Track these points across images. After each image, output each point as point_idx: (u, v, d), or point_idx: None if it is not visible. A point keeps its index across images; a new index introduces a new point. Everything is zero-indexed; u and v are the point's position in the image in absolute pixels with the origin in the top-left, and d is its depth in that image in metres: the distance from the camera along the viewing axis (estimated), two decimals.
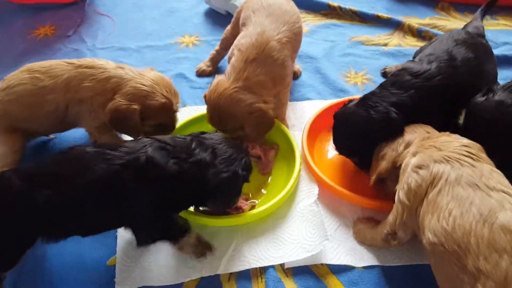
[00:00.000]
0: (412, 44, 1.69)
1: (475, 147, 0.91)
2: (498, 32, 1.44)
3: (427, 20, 1.81)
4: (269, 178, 1.21)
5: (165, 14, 1.97)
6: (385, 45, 1.70)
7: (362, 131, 1.08)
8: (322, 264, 1.02)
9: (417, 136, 0.99)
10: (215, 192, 0.96)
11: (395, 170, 0.97)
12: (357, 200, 1.10)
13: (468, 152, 0.88)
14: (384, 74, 1.56)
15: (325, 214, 1.11)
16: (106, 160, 0.89)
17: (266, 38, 1.22)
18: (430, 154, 0.90)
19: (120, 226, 0.99)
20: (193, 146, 0.96)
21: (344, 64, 1.63)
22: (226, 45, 1.51)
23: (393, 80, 1.14)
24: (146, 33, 1.84)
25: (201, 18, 1.93)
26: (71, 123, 1.20)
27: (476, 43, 1.22)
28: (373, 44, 1.71)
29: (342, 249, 1.05)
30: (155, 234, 0.97)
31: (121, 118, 1.10)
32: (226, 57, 1.38)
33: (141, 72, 1.17)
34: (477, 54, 1.17)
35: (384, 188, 1.03)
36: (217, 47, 1.59)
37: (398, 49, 1.66)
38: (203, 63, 1.61)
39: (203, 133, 1.04)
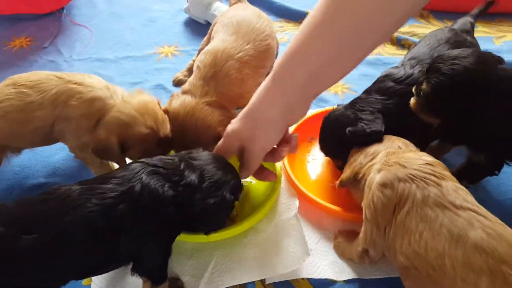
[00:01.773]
0: (391, 53, 1.69)
1: (439, 165, 0.90)
2: (478, 39, 1.45)
3: (406, 28, 1.81)
4: (251, 192, 1.19)
5: (144, 24, 1.95)
6: None
7: (351, 131, 1.06)
8: (303, 278, 1.01)
9: (384, 149, 0.98)
10: (202, 217, 0.91)
11: (356, 180, 0.97)
12: (338, 213, 1.09)
13: (432, 170, 0.87)
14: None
15: (306, 227, 1.10)
16: (96, 194, 0.83)
17: (225, 56, 1.22)
18: (395, 172, 0.88)
19: (122, 264, 0.92)
20: (182, 167, 0.91)
21: None
22: None
23: (377, 86, 1.14)
24: (125, 43, 1.82)
25: (180, 27, 1.91)
26: (54, 139, 1.17)
27: (460, 40, 1.20)
28: None
29: (323, 262, 1.03)
30: (162, 267, 0.93)
31: (101, 149, 1.06)
32: None
33: (126, 98, 1.11)
34: None
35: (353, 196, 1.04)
36: (194, 58, 1.59)
37: (378, 58, 1.67)
38: (180, 73, 1.60)
39: (190, 152, 0.99)
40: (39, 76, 1.12)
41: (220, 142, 1.00)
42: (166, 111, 1.19)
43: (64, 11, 1.98)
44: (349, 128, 1.06)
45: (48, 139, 1.16)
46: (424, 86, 1.02)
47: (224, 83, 1.21)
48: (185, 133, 1.15)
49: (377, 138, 1.03)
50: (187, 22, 1.93)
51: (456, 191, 0.84)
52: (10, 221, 0.80)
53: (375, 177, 0.91)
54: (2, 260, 0.77)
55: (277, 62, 0.90)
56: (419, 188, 0.84)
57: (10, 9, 1.89)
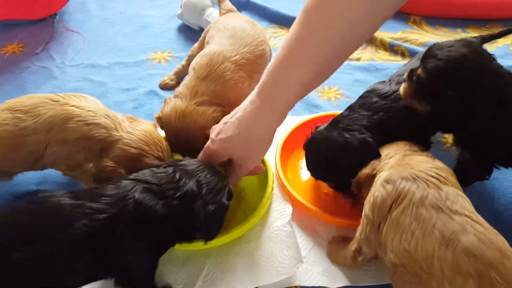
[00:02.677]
0: (384, 59, 1.69)
1: (446, 170, 0.91)
2: None
3: (399, 34, 1.82)
4: (243, 198, 1.18)
5: (137, 29, 1.94)
6: (358, 59, 1.70)
7: (339, 155, 1.05)
8: (296, 286, 1.00)
9: (399, 153, 0.98)
10: (202, 225, 0.90)
11: (373, 178, 0.95)
12: (332, 219, 1.09)
13: (437, 174, 0.88)
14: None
15: (299, 234, 1.09)
16: (86, 214, 0.81)
17: (221, 58, 1.23)
18: (401, 170, 0.89)
19: (110, 277, 0.90)
20: (177, 177, 0.90)
21: None
22: (191, 61, 1.50)
23: (361, 102, 1.13)
24: (118, 49, 1.81)
25: (174, 33, 1.91)
26: (44, 164, 1.12)
27: None
28: None
29: (317, 270, 1.02)
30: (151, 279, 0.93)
31: (105, 177, 1.04)
32: None
33: (130, 129, 1.09)
34: None
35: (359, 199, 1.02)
36: (183, 62, 1.59)
37: (370, 64, 1.67)
38: (167, 76, 1.60)
39: (179, 160, 0.99)
40: (34, 100, 1.09)
41: (208, 150, 0.99)
42: (159, 118, 1.18)
43: (57, 17, 1.97)
44: (336, 152, 1.05)
45: (38, 164, 1.12)
46: (419, 71, 1.02)
47: (217, 83, 1.20)
48: (178, 138, 1.15)
49: (367, 151, 1.02)
50: (180, 28, 1.93)
51: (456, 197, 0.84)
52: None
53: (382, 175, 0.92)
54: None
55: (262, 79, 0.91)
56: (419, 188, 0.85)
57: (2, 15, 1.87)
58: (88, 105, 1.10)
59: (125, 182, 0.89)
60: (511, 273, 0.73)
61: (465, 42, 1.01)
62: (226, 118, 0.99)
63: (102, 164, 1.05)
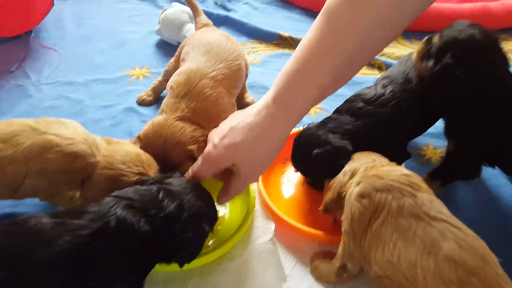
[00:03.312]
0: (362, 72, 1.71)
1: (416, 177, 0.92)
2: None
3: None
4: (226, 215, 1.17)
5: (115, 46, 1.92)
6: None
7: (318, 155, 1.07)
8: None
9: (362, 165, 0.99)
10: (180, 251, 0.89)
11: (340, 200, 0.97)
12: (314, 235, 1.08)
13: (409, 181, 0.89)
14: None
15: (282, 251, 1.08)
16: (69, 231, 0.79)
17: (199, 75, 1.22)
18: (373, 183, 0.90)
19: None
20: (160, 197, 0.89)
21: None
22: (168, 77, 1.49)
23: (347, 106, 1.15)
24: (95, 66, 1.79)
25: (152, 49, 1.90)
26: (22, 193, 1.08)
27: None
28: None
29: (301, 287, 1.01)
30: None
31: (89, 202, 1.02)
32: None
33: (107, 152, 1.07)
34: None
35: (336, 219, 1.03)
36: (160, 78, 1.58)
37: None
38: (144, 92, 1.59)
39: (168, 177, 0.97)
40: (14, 127, 1.05)
41: (208, 156, 0.93)
42: (138, 137, 1.16)
43: (32, 34, 1.94)
44: (315, 151, 1.07)
45: (16, 194, 1.08)
46: (435, 39, 1.07)
47: (198, 100, 1.19)
48: (155, 153, 1.11)
49: (344, 156, 1.04)
50: (158, 43, 1.92)
51: (431, 203, 0.85)
52: None
53: (354, 190, 0.92)
54: None
55: (277, 84, 0.87)
56: (395, 198, 0.85)
57: None
58: (67, 132, 1.06)
59: (107, 199, 0.88)
60: (492, 279, 0.74)
61: (487, 33, 1.06)
62: (228, 124, 0.92)
63: (84, 193, 1.04)
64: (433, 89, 1.10)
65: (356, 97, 1.16)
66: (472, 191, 1.24)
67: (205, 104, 1.20)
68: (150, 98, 1.58)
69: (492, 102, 1.06)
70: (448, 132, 1.16)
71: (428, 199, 0.86)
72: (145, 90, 1.60)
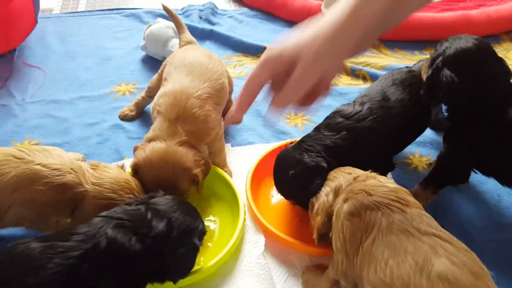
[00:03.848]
0: (346, 83, 1.74)
1: (402, 191, 0.92)
2: None
3: (359, 58, 1.87)
4: (216, 231, 1.17)
5: (100, 62, 1.91)
6: None
7: (295, 176, 1.07)
8: None
9: (342, 180, 0.99)
10: (173, 268, 0.89)
11: (331, 221, 0.96)
12: (304, 248, 1.08)
13: (396, 197, 0.89)
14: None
15: (273, 265, 1.08)
16: (59, 253, 0.79)
17: (185, 96, 1.22)
18: (361, 200, 0.90)
19: None
20: (149, 217, 0.89)
21: None
22: (151, 93, 1.51)
23: (326, 122, 1.16)
24: (80, 83, 1.77)
25: (137, 65, 1.89)
26: (5, 222, 1.05)
27: (414, 82, 1.23)
28: None
29: None
30: None
31: None
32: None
33: (96, 180, 1.05)
34: (412, 95, 1.20)
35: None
36: (143, 94, 1.57)
37: (333, 88, 1.70)
38: (127, 108, 1.59)
39: (152, 197, 0.97)
40: None
41: (257, 68, 0.79)
42: (136, 165, 1.14)
43: (16, 52, 1.92)
44: (290, 172, 1.07)
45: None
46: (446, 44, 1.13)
47: (190, 121, 1.19)
48: (162, 180, 1.10)
49: (318, 175, 1.04)
50: (144, 59, 1.92)
51: (420, 217, 0.85)
52: None
53: (342, 207, 0.92)
54: None
55: None
56: (384, 215, 0.85)
57: None
58: (53, 161, 1.04)
59: (96, 219, 0.87)
60: None
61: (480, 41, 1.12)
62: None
63: (76, 222, 0.99)
64: (428, 93, 1.14)
65: (335, 113, 1.18)
66: (461, 198, 1.26)
67: (197, 124, 1.20)
68: (133, 113, 1.57)
69: (484, 107, 1.09)
70: (444, 135, 1.20)
71: (417, 214, 0.86)
72: (127, 106, 1.59)
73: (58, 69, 1.86)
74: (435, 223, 0.86)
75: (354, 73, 1.77)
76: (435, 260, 0.77)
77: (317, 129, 1.15)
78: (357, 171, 1.02)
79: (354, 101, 1.21)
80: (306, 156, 1.07)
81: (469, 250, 0.81)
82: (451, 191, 1.26)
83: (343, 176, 1.01)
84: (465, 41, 1.11)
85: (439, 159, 1.22)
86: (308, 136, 1.15)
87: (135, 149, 1.19)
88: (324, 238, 0.99)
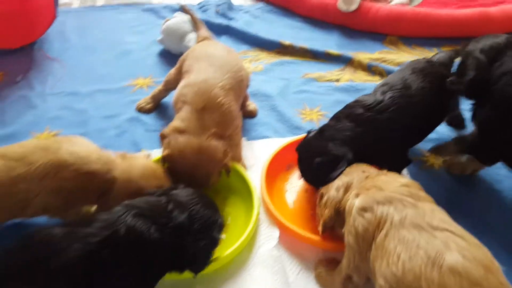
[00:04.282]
0: (363, 79, 1.73)
1: (414, 186, 0.93)
2: None
3: (376, 55, 1.87)
4: (228, 220, 1.18)
5: (118, 56, 1.94)
6: (337, 80, 1.73)
7: (318, 164, 1.09)
8: None
9: (355, 177, 1.00)
10: (193, 260, 0.92)
11: (339, 215, 0.97)
12: (317, 242, 1.09)
13: (409, 192, 0.89)
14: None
15: (287, 258, 1.09)
16: (79, 239, 0.81)
17: (209, 85, 1.24)
18: (373, 195, 0.90)
19: None
20: (169, 208, 0.91)
21: (299, 101, 1.64)
22: (168, 86, 1.54)
23: (347, 112, 1.16)
24: (98, 76, 1.81)
25: (155, 59, 1.92)
26: (30, 212, 1.08)
27: (434, 72, 1.24)
28: (326, 80, 1.74)
29: None
30: None
31: None
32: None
33: (125, 167, 1.08)
34: (433, 84, 1.20)
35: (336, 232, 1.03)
36: (160, 87, 1.59)
37: (350, 84, 1.70)
38: (143, 100, 1.61)
39: (173, 188, 0.99)
40: (25, 148, 1.06)
41: None
42: (168, 156, 1.16)
43: (36, 45, 1.96)
44: (316, 160, 1.08)
45: (23, 213, 1.08)
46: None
47: (215, 110, 1.21)
48: (195, 172, 1.13)
49: (344, 163, 1.06)
50: (161, 53, 1.94)
51: (433, 212, 0.86)
52: None
53: (354, 202, 0.92)
54: None
55: None
56: (397, 210, 0.86)
57: None
58: (80, 149, 1.07)
59: (117, 208, 0.90)
60: (495, 287, 0.74)
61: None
62: None
63: (103, 208, 1.00)
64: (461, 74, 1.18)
65: (356, 103, 1.17)
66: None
67: (222, 114, 1.23)
68: (150, 105, 1.59)
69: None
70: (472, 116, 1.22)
71: (430, 208, 0.86)
72: (144, 98, 1.62)
73: (77, 62, 1.89)
74: (448, 218, 0.86)
75: (371, 69, 1.76)
76: (446, 254, 0.77)
77: (337, 118, 1.15)
78: (371, 170, 1.02)
79: (375, 90, 1.21)
80: (332, 145, 1.09)
81: (481, 245, 0.81)
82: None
83: (356, 173, 1.01)
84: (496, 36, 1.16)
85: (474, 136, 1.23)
86: (328, 125, 1.15)
87: (163, 137, 1.20)
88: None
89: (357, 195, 0.93)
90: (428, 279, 0.76)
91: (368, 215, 0.88)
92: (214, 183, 1.17)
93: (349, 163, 1.06)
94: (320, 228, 1.02)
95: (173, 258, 0.90)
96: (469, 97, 1.19)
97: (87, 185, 1.04)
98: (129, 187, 1.04)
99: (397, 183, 0.92)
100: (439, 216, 0.85)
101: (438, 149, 1.35)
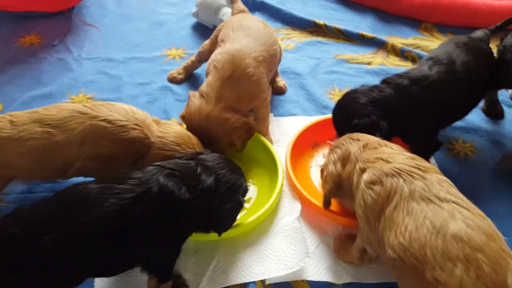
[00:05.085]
0: (395, 64, 1.72)
1: (418, 158, 0.94)
2: None
3: (410, 40, 1.84)
4: (254, 194, 1.22)
5: (152, 26, 1.97)
6: (369, 63, 1.73)
7: (358, 123, 1.11)
8: (302, 280, 1.03)
9: (351, 148, 1.01)
10: (219, 221, 0.97)
11: (341, 188, 1.00)
12: (338, 218, 1.11)
13: (416, 164, 0.91)
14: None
15: (307, 231, 1.12)
16: (114, 194, 0.85)
17: (242, 54, 1.26)
18: (380, 167, 0.92)
19: (135, 265, 0.93)
20: (198, 171, 0.95)
21: (329, 81, 1.65)
22: (201, 57, 1.57)
23: (397, 82, 1.18)
24: (133, 44, 1.84)
25: (188, 31, 1.94)
26: (70, 175, 1.12)
27: (477, 45, 1.28)
28: (357, 63, 1.74)
29: (323, 266, 1.06)
30: (171, 266, 0.96)
31: None
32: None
33: (160, 134, 1.11)
34: (476, 57, 1.23)
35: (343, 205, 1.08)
36: (192, 58, 1.63)
37: (381, 68, 1.70)
38: (175, 70, 1.64)
39: (201, 153, 1.04)
40: (64, 113, 1.08)
41: None
42: (183, 117, 1.22)
43: (75, 10, 2.00)
44: (355, 121, 1.11)
45: (63, 176, 1.12)
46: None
47: (242, 80, 1.24)
48: (201, 137, 1.18)
49: (379, 131, 1.09)
50: (194, 26, 1.96)
51: (440, 184, 0.88)
52: (26, 224, 0.81)
53: (362, 177, 0.94)
54: (18, 262, 0.79)
55: None
56: (406, 182, 0.88)
57: (20, 6, 1.90)
58: (118, 116, 1.09)
59: (150, 168, 0.94)
60: (496, 253, 0.77)
61: None
62: None
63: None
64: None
65: (405, 74, 1.19)
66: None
67: (249, 84, 1.25)
68: (181, 76, 1.62)
69: None
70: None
71: (437, 180, 0.88)
72: (176, 69, 1.65)
73: (113, 29, 1.93)
74: (454, 190, 0.88)
75: (404, 55, 1.75)
76: (451, 223, 0.80)
77: (387, 83, 1.18)
78: (366, 137, 1.03)
79: (421, 64, 1.23)
80: (373, 110, 1.11)
81: (486, 216, 0.84)
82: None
83: (350, 143, 1.02)
84: None
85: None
86: (377, 86, 1.17)
87: (189, 97, 1.25)
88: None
89: (363, 170, 0.95)
90: (433, 246, 0.78)
91: (377, 187, 0.90)
92: (222, 153, 1.16)
93: (384, 133, 1.08)
94: (322, 202, 1.05)
95: (200, 218, 0.94)
96: None
97: (126, 151, 1.08)
98: (164, 153, 1.08)
99: (403, 155, 0.94)
100: (446, 187, 0.88)
101: None
